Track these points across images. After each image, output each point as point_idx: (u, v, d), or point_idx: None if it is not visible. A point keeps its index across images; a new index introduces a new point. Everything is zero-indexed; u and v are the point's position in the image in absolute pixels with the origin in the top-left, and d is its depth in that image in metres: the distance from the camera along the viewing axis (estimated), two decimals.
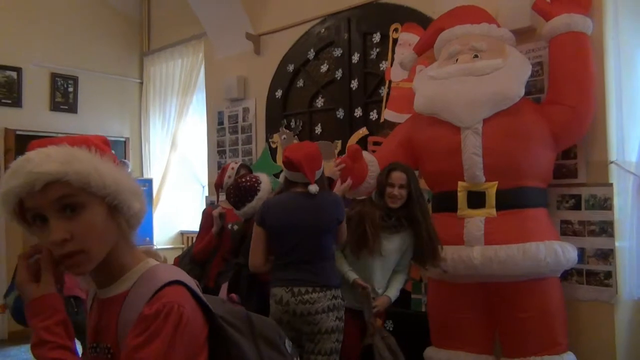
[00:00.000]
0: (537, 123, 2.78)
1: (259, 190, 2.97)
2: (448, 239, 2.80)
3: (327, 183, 2.82)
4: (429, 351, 3.00)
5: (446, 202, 2.90)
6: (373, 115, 4.09)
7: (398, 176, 2.75)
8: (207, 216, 3.46)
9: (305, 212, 2.62)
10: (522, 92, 2.73)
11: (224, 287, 2.95)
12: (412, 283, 3.73)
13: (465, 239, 2.76)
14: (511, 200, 2.77)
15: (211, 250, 3.35)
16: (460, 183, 2.81)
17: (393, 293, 2.88)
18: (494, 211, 2.76)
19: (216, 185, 3.64)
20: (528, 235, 2.70)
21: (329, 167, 3.00)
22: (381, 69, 4.06)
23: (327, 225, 2.65)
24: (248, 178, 3.04)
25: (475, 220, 2.77)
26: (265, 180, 3.05)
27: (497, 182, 2.75)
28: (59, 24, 6.11)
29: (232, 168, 3.41)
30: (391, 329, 3.81)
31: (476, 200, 2.79)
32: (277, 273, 2.67)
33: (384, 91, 4.00)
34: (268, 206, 2.71)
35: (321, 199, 2.64)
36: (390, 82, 3.98)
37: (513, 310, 2.73)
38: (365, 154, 3.11)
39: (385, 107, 3.97)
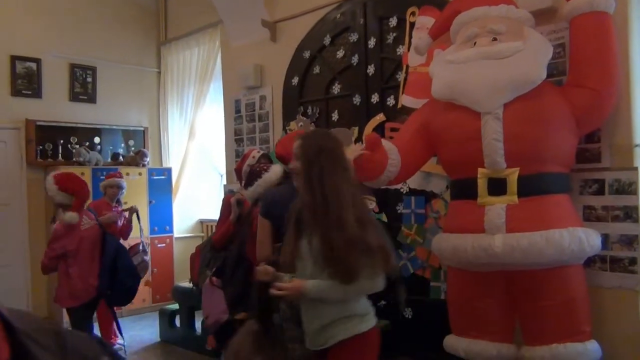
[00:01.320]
0: (559, 106, 2.70)
1: (260, 177, 2.96)
2: (468, 227, 2.75)
3: None
4: (449, 339, 2.97)
5: (465, 190, 2.85)
6: (390, 101, 4.04)
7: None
8: (226, 204, 3.48)
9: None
10: (544, 74, 2.66)
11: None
12: (431, 270, 3.70)
13: (485, 227, 2.71)
14: (533, 186, 2.70)
15: (229, 238, 3.35)
16: (480, 170, 2.75)
17: (310, 284, 2.19)
18: (515, 198, 2.70)
19: (236, 170, 3.66)
20: (551, 222, 2.64)
21: (353, 150, 2.98)
22: (398, 53, 4.00)
23: None
24: (262, 165, 3.06)
25: (496, 208, 2.71)
26: (274, 171, 3.05)
27: (518, 168, 2.69)
28: (76, 15, 6.15)
29: (253, 157, 3.40)
30: (410, 317, 3.80)
31: (497, 187, 2.73)
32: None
33: (401, 76, 3.94)
34: (271, 198, 2.71)
35: None
36: (407, 66, 3.91)
37: (535, 299, 2.69)
38: (384, 142, 3.07)
39: (402, 93, 3.91)
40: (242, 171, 3.45)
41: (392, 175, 2.97)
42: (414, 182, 3.80)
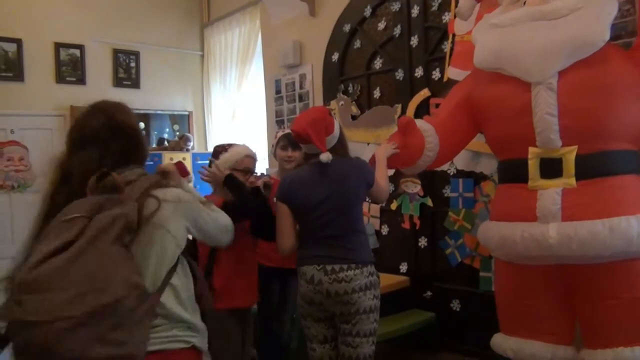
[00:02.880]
0: (626, 73, 2.30)
1: (218, 159, 2.71)
2: (517, 215, 2.42)
3: (346, 146, 2.56)
4: (498, 338, 2.66)
5: (514, 172, 2.50)
6: (435, 74, 3.70)
7: None
8: None
9: (326, 184, 2.39)
10: (608, 35, 2.25)
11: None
12: (481, 259, 3.37)
13: (538, 214, 2.35)
14: (594, 167, 2.32)
15: None
16: (531, 149, 2.40)
17: None
18: (573, 181, 2.33)
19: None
20: (616, 209, 2.25)
21: (385, 148, 2.69)
22: (444, 21, 3.65)
23: (354, 195, 2.43)
24: (225, 145, 2.82)
25: (550, 192, 2.35)
26: (236, 151, 2.75)
27: (576, 146, 2.31)
28: (118, 0, 6.09)
29: (275, 137, 3.18)
30: (458, 309, 3.50)
31: (551, 168, 2.37)
32: (303, 251, 2.46)
33: (447, 47, 3.58)
34: (289, 181, 2.50)
35: (341, 168, 2.41)
36: (454, 35, 3.55)
37: (597, 297, 2.32)
38: (420, 123, 2.76)
39: (448, 65, 3.56)
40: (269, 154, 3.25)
41: (429, 160, 2.68)
42: (461, 162, 3.48)
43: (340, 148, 2.48)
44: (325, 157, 2.35)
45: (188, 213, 1.70)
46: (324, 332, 2.48)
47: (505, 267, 2.60)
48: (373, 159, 2.67)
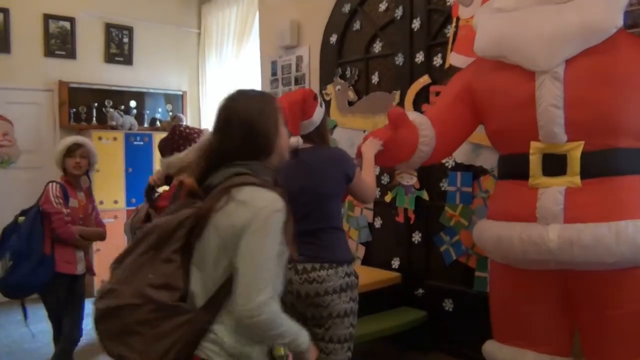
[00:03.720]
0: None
1: (195, 142, 2.40)
2: (516, 214, 2.24)
3: (325, 135, 2.35)
4: (490, 346, 2.49)
5: (515, 168, 2.32)
6: (437, 60, 3.48)
7: None
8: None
9: (300, 175, 2.16)
10: (620, 21, 2.05)
11: None
12: (477, 258, 3.19)
13: (538, 214, 2.17)
14: (601, 165, 2.14)
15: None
16: (533, 143, 2.21)
17: None
18: (577, 179, 2.14)
19: None
20: (623, 211, 2.07)
21: (373, 144, 2.47)
22: (448, 4, 3.42)
23: (330, 188, 2.22)
24: (190, 129, 2.51)
25: (552, 191, 2.16)
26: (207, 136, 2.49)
27: (582, 142, 2.13)
28: None
29: None
30: (451, 309, 3.33)
31: (554, 165, 2.18)
32: None
33: (450, 31, 3.37)
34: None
35: (316, 157, 2.23)
36: (458, 19, 3.33)
37: (601, 306, 2.15)
38: (414, 115, 2.56)
39: (451, 50, 3.35)
40: None
41: (425, 155, 2.49)
42: (460, 155, 3.27)
43: (316, 136, 2.28)
44: (295, 140, 2.15)
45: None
46: None
47: (501, 270, 2.42)
48: (359, 154, 2.47)
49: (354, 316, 2.24)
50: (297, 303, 2.20)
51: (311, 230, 2.18)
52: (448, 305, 3.34)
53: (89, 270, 3.28)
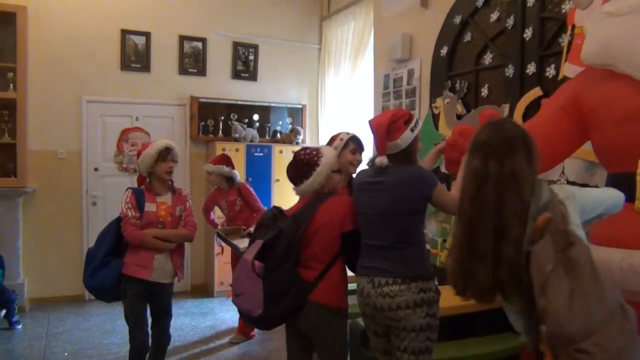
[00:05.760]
0: None
1: (318, 164, 2.41)
2: (619, 239, 2.03)
3: (411, 156, 2.31)
4: None
5: (621, 188, 2.09)
6: (550, 71, 3.26)
7: None
8: None
9: (376, 190, 2.26)
10: None
11: (257, 244, 2.35)
12: None
13: None
14: None
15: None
16: None
17: None
18: None
19: None
20: None
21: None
22: (563, 11, 3.20)
23: (406, 206, 2.21)
24: (308, 151, 2.50)
25: None
26: (326, 154, 2.46)
27: None
28: None
29: (341, 139, 2.84)
30: None
31: None
32: (360, 260, 2.33)
33: (565, 40, 3.14)
34: (360, 181, 2.42)
35: (396, 176, 2.23)
36: (574, 27, 3.10)
37: None
38: None
39: (565, 60, 3.12)
40: None
41: None
42: (573, 173, 3.03)
43: (402, 156, 2.27)
44: (379, 160, 2.25)
45: None
46: (383, 344, 2.35)
47: None
48: (449, 147, 2.53)
49: (431, 331, 2.21)
50: (376, 315, 2.25)
51: (386, 245, 2.24)
52: None
53: (177, 272, 3.15)
